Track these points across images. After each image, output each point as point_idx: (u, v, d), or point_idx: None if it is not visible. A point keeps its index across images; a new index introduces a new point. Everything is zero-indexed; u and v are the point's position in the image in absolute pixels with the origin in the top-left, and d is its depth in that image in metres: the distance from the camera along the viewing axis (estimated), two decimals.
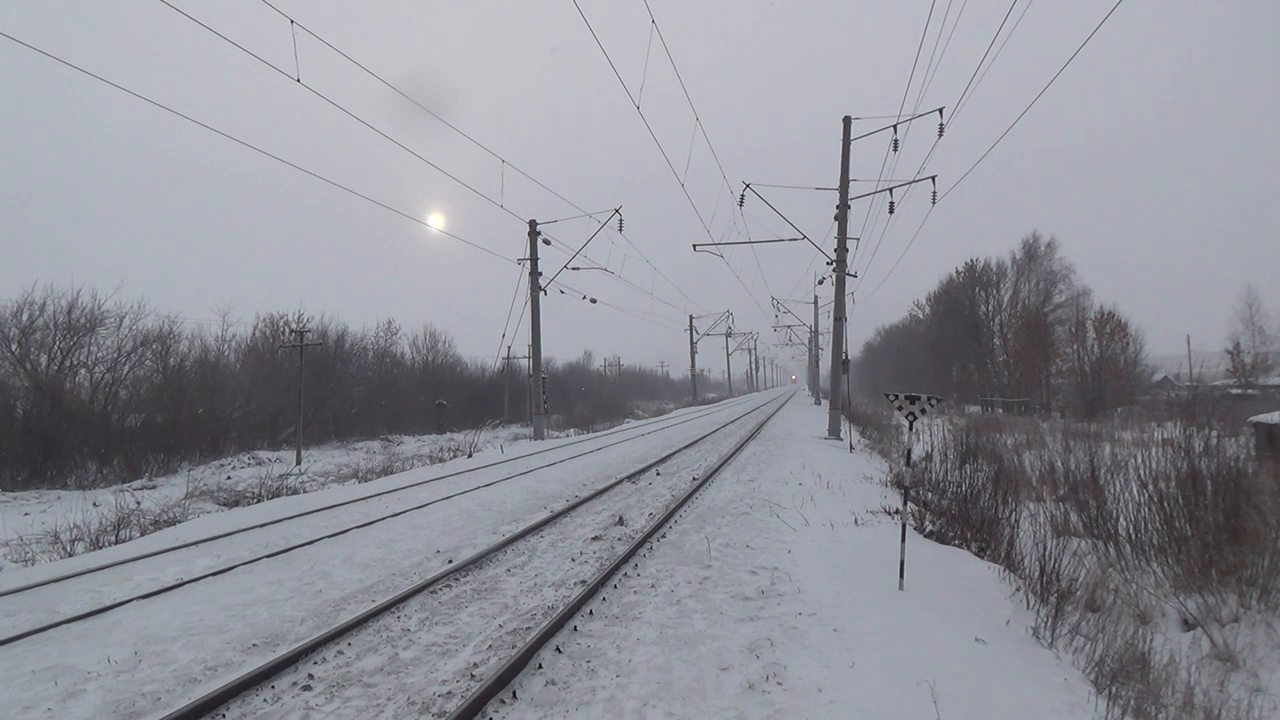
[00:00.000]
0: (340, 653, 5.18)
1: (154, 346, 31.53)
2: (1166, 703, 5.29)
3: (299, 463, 26.73)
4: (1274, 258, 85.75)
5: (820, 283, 37.44)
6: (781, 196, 36.33)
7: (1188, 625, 7.34)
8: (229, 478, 22.69)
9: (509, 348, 28.93)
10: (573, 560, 7.79)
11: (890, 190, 21.30)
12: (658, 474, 14.79)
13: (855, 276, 25.84)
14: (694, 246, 25.99)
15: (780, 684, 4.46)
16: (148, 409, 29.28)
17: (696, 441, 22.49)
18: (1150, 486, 9.23)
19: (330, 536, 9.40)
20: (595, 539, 8.77)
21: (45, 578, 7.71)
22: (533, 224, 27.21)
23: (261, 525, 10.36)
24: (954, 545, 8.97)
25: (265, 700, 4.44)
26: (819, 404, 53.21)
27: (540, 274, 27.55)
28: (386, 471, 20.25)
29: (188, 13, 9.83)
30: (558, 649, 5.13)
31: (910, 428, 7.31)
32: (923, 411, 6.78)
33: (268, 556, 8.30)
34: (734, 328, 68.23)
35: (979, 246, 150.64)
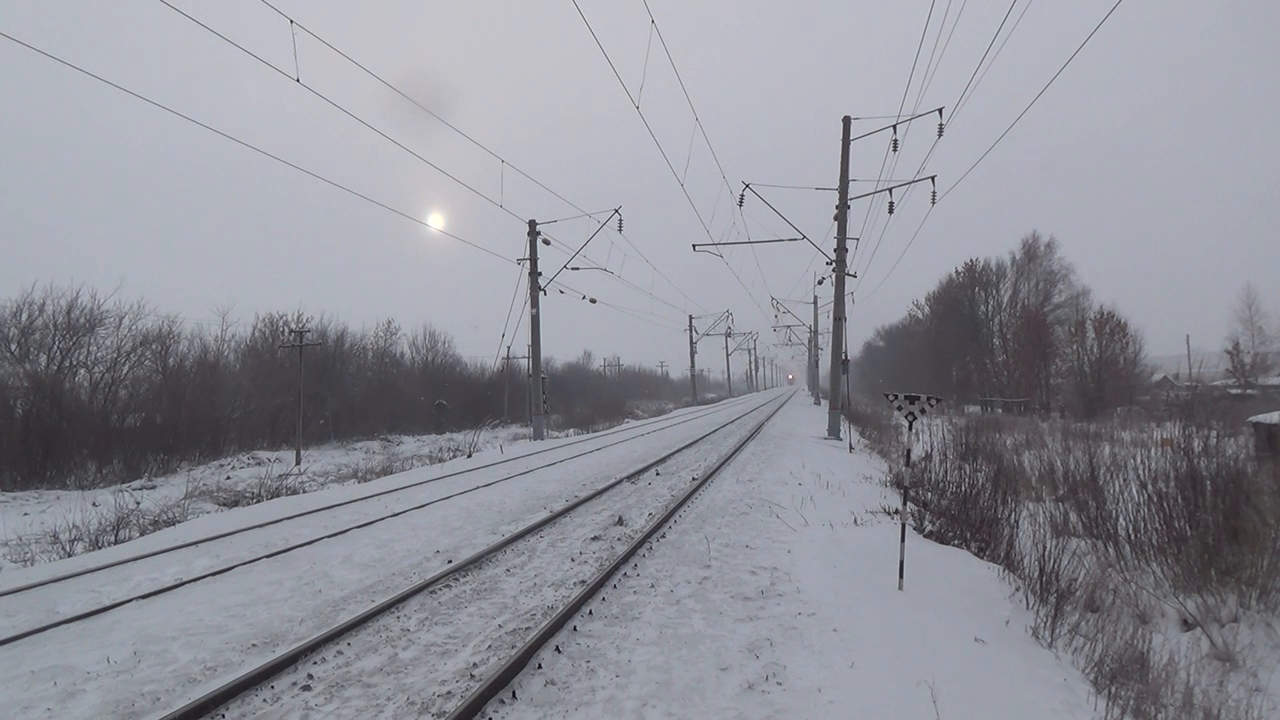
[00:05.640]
0: (340, 653, 5.18)
1: (153, 346, 31.53)
2: (1166, 703, 5.29)
3: (298, 463, 26.73)
4: (1274, 258, 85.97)
5: (820, 283, 37.55)
6: (781, 196, 36.44)
7: (1187, 625, 7.34)
8: (229, 478, 22.67)
9: (509, 348, 28.98)
10: (572, 560, 7.78)
11: (890, 190, 21.34)
12: (657, 474, 14.79)
13: (855, 276, 25.89)
14: (694, 246, 26.02)
15: (780, 684, 4.46)
16: (147, 409, 29.26)
17: (696, 442, 22.49)
18: (1150, 486, 9.22)
19: (330, 536, 9.40)
20: (595, 539, 8.77)
21: (45, 578, 7.71)
22: (532, 224, 27.22)
23: (261, 525, 10.36)
24: (954, 545, 8.96)
25: (265, 700, 4.44)
26: (818, 404, 53.17)
27: (540, 274, 27.56)
28: (386, 471, 20.25)
29: (188, 13, 9.84)
30: (557, 649, 5.13)
31: (910, 428, 7.31)
32: (922, 411, 6.78)
33: (267, 556, 8.30)
34: (733, 328, 68.31)
35: (979, 246, 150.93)
